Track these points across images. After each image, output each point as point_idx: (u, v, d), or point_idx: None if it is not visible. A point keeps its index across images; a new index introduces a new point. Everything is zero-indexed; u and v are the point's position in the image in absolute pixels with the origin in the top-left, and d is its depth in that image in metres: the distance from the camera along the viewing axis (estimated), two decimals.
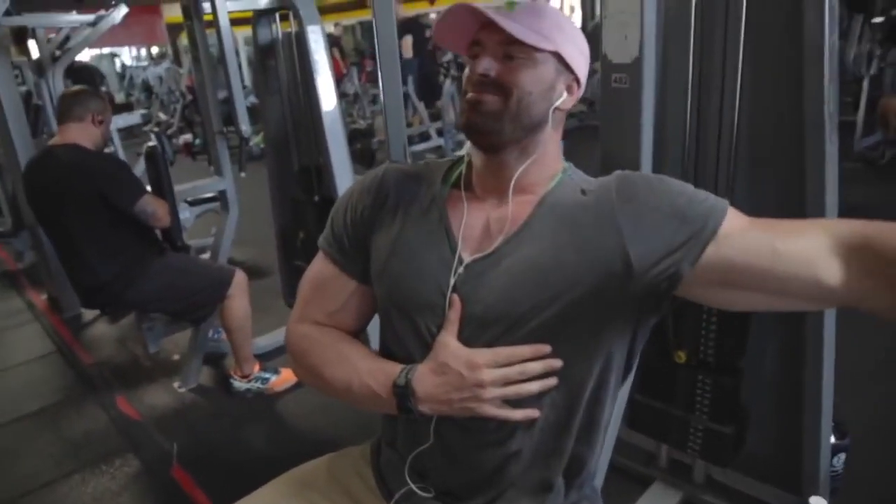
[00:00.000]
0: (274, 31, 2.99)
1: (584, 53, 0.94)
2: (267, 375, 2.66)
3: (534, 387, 0.87)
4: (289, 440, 2.38)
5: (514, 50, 0.87)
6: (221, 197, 2.79)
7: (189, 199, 3.38)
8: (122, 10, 3.28)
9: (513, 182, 0.92)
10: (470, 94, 0.89)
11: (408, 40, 6.79)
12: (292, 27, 2.90)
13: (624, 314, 0.88)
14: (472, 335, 0.89)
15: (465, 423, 0.91)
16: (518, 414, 0.89)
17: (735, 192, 1.50)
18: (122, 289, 2.37)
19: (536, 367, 0.86)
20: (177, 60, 11.09)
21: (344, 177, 2.86)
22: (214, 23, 2.50)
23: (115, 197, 2.27)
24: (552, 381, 0.88)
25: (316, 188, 3.10)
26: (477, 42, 0.90)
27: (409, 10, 7.91)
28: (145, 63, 11.54)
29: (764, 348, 1.70)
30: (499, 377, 0.86)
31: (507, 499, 0.95)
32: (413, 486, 0.98)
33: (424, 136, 5.98)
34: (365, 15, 16.29)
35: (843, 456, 1.76)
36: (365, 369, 0.94)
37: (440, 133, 6.18)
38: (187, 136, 7.02)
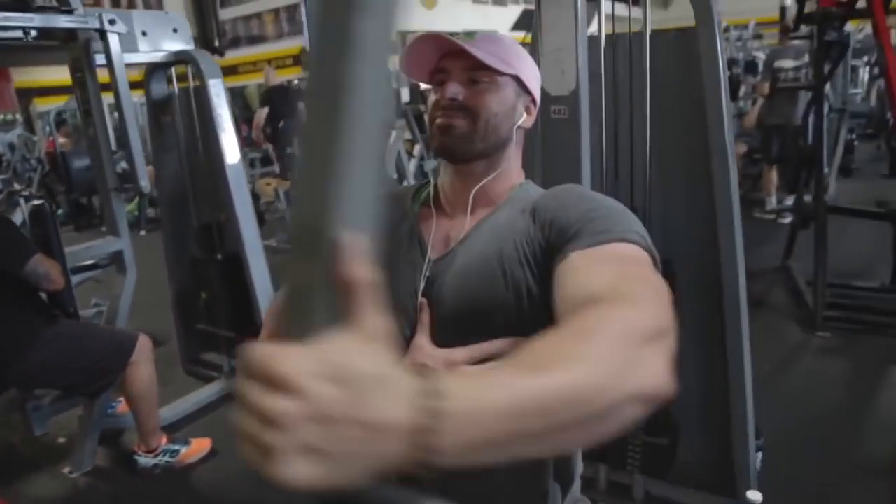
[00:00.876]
0: (168, 87, 2.91)
1: (537, 77, 1.03)
2: (176, 447, 2.44)
3: None
4: None
5: (478, 75, 0.93)
6: (118, 258, 2.59)
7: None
8: None
9: (475, 190, 0.96)
10: (440, 120, 0.94)
11: (262, 113, 6.55)
12: (190, 81, 2.83)
13: None
14: (442, 335, 0.89)
15: None
16: None
17: (651, 202, 1.65)
18: (4, 364, 2.11)
19: None
20: (29, 127, 10.29)
21: (250, 231, 2.78)
22: (110, 75, 2.38)
23: (2, 257, 2.04)
24: None
25: (218, 246, 2.97)
26: (441, 70, 0.96)
27: (283, 76, 7.96)
28: None
29: (686, 363, 1.83)
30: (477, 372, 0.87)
31: None
32: None
33: None
34: (233, 81, 16.11)
35: (759, 455, 1.91)
36: None
37: None
38: None
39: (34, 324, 2.18)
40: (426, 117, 1.02)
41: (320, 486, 0.41)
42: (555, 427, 0.49)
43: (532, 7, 1.40)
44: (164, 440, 2.44)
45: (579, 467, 1.05)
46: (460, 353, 0.87)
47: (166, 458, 2.41)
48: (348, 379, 0.40)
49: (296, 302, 0.44)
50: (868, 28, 5.07)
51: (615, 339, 0.56)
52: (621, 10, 1.69)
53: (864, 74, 9.13)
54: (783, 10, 8.04)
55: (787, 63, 4.94)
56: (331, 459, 0.40)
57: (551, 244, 0.85)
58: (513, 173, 1.01)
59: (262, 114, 6.65)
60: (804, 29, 4.29)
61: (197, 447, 2.48)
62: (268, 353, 0.40)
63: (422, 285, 0.93)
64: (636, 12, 1.66)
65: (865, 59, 8.64)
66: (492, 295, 0.88)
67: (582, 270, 0.75)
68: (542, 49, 1.33)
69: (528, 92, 0.99)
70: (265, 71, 7.06)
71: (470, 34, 0.96)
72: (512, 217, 0.93)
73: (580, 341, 0.56)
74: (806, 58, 4.88)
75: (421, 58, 0.97)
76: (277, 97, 6.57)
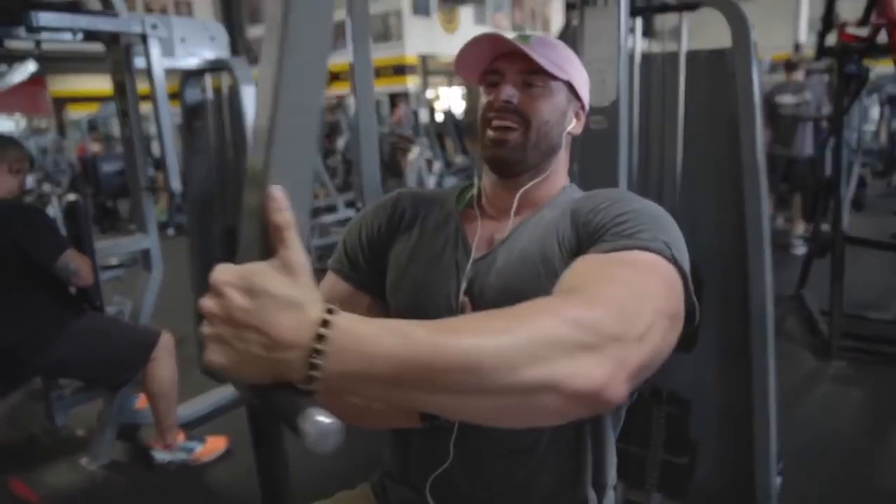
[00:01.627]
0: (201, 92, 2.98)
1: (586, 83, 1.03)
2: (192, 445, 2.46)
3: None
4: None
5: (533, 79, 0.94)
6: (144, 256, 2.63)
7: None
8: (30, 67, 3.11)
9: (518, 194, 0.97)
10: (492, 133, 0.94)
11: None
12: (224, 87, 2.91)
13: None
14: None
15: (490, 431, 0.87)
16: None
17: (681, 212, 1.68)
18: (30, 354, 2.14)
19: None
20: (61, 133, 10.53)
21: None
22: (149, 78, 2.45)
23: (35, 250, 2.09)
24: None
25: None
26: (495, 71, 0.96)
27: None
28: (24, 134, 10.86)
29: (706, 380, 1.84)
30: None
31: None
32: None
33: (331, 208, 5.98)
34: None
35: (780, 479, 1.90)
36: None
37: (349, 204, 6.16)
38: None
39: (62, 316, 2.22)
40: (478, 119, 0.99)
41: (228, 373, 0.53)
42: (443, 386, 0.53)
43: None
44: (181, 437, 2.45)
45: (613, 477, 1.05)
46: None
47: (182, 455, 2.43)
48: (255, 293, 0.52)
49: (242, 238, 0.59)
50: (879, 68, 5.13)
51: (544, 326, 0.57)
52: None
53: (874, 112, 9.19)
54: (797, 46, 8.12)
55: (787, 98, 5.02)
56: (234, 353, 0.52)
57: (582, 246, 0.85)
58: (559, 177, 1.01)
59: None
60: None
61: (212, 446, 2.49)
62: (217, 268, 0.54)
63: (464, 285, 0.93)
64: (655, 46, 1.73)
65: (876, 96, 8.70)
66: (534, 293, 0.88)
67: (578, 268, 0.75)
68: (584, 60, 1.36)
69: (578, 98, 1.00)
70: None
71: (525, 37, 0.95)
72: (555, 218, 0.94)
73: (511, 319, 0.59)
74: (806, 94, 4.96)
75: (474, 57, 0.96)
76: None
